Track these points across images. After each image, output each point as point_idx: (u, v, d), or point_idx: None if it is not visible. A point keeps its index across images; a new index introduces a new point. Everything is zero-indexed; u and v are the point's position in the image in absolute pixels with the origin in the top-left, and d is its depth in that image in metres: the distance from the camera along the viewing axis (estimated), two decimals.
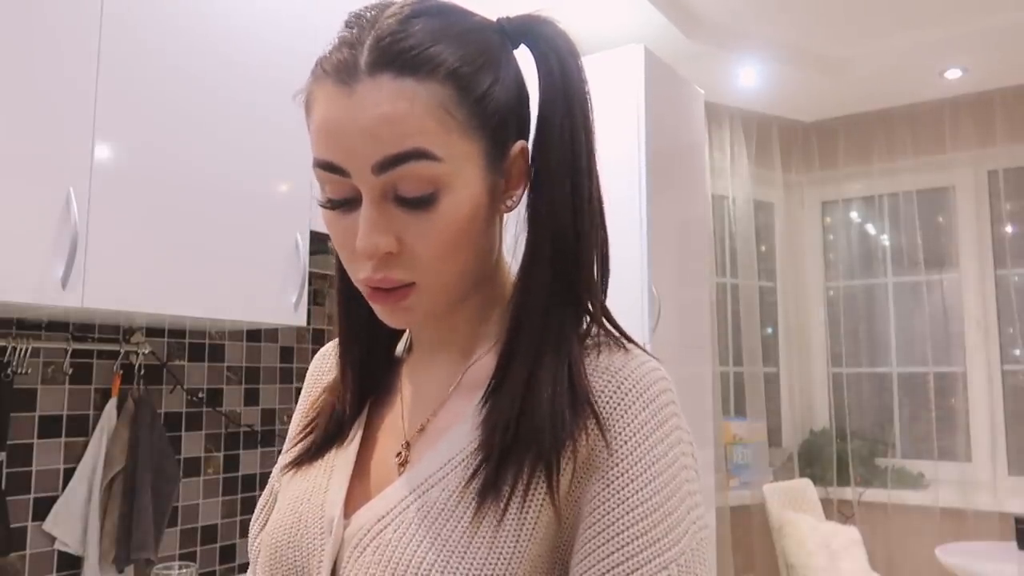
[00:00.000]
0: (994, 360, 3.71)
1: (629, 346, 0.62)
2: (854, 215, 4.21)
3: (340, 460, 0.67)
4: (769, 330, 4.12)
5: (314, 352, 2.57)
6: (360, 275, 0.59)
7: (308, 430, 0.71)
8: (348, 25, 0.58)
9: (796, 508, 3.57)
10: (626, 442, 0.56)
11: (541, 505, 0.55)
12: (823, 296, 4.20)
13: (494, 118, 0.59)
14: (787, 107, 4.05)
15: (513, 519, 0.55)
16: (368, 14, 0.58)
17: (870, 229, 4.16)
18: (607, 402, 0.57)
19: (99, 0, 1.53)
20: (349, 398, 0.70)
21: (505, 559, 0.54)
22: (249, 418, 2.16)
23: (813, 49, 3.45)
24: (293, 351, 2.29)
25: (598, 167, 0.66)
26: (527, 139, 0.63)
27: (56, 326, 1.77)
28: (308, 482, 0.67)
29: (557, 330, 0.59)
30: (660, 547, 0.54)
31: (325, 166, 0.57)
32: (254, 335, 2.19)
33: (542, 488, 0.55)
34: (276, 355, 2.25)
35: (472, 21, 0.61)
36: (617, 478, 0.55)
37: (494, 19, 0.65)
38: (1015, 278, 3.70)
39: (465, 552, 0.54)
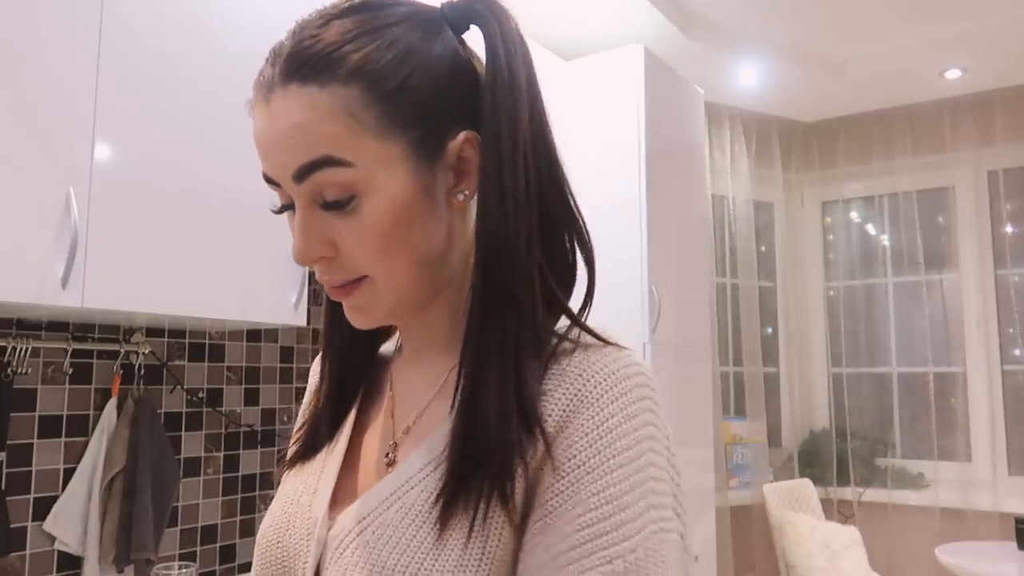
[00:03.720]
0: (994, 360, 3.71)
1: (607, 345, 0.59)
2: (854, 215, 4.21)
3: (330, 460, 0.67)
4: (769, 330, 4.12)
5: (314, 352, 2.57)
6: (316, 275, 0.61)
7: (303, 431, 0.72)
8: (287, 34, 0.60)
9: (796, 508, 3.57)
10: (587, 434, 0.54)
11: (504, 520, 0.54)
12: (823, 296, 4.20)
13: (416, 112, 0.57)
14: (787, 107, 4.05)
15: (479, 528, 0.54)
16: (300, 23, 0.59)
17: (870, 229, 4.16)
18: (574, 396, 0.55)
19: (99, 0, 1.53)
20: (330, 400, 0.70)
21: (474, 566, 0.53)
22: (249, 418, 2.16)
23: (813, 49, 3.45)
24: (293, 351, 2.29)
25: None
26: (481, 126, 0.59)
27: (56, 326, 1.77)
28: (299, 482, 0.68)
29: (499, 340, 0.56)
30: (608, 539, 0.51)
31: (265, 178, 0.59)
32: (254, 335, 2.19)
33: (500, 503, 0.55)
34: (276, 355, 2.25)
35: (394, 13, 0.59)
36: (573, 470, 0.53)
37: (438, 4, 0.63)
38: (1015, 278, 3.70)
39: (437, 559, 0.54)
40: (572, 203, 0.62)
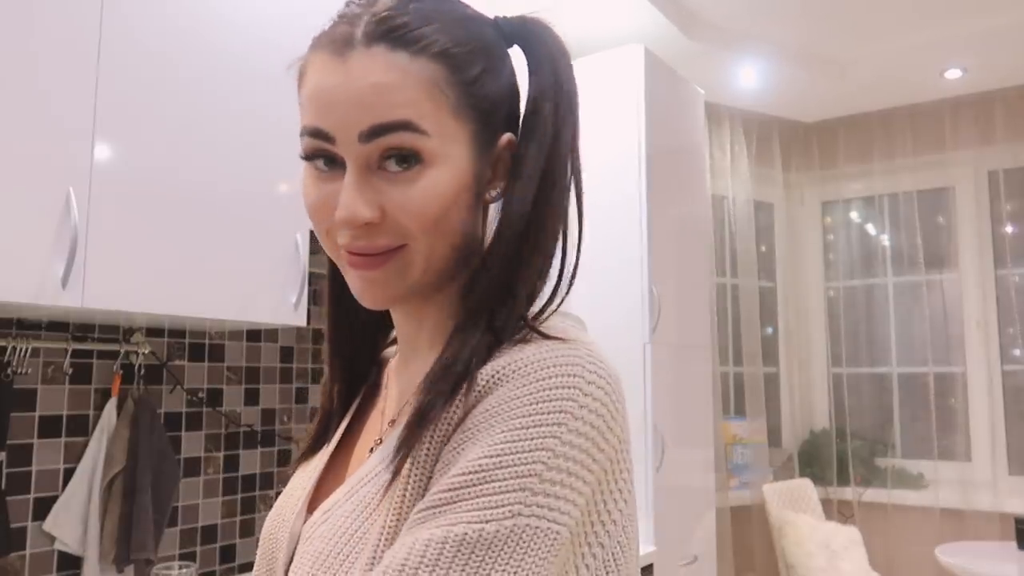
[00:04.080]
0: (994, 360, 3.71)
1: (552, 341, 0.57)
2: (854, 215, 4.21)
3: (323, 456, 0.71)
4: (769, 330, 4.12)
5: (314, 352, 2.56)
6: (340, 240, 0.59)
7: (314, 428, 0.75)
8: (347, 4, 0.60)
9: (796, 508, 3.57)
10: (489, 408, 0.53)
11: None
12: (823, 296, 4.20)
13: (484, 103, 0.60)
14: (787, 107, 4.05)
15: (406, 506, 0.54)
16: None
17: (870, 229, 4.16)
18: (497, 373, 0.54)
19: (99, 0, 1.53)
20: (342, 398, 0.73)
21: (386, 542, 0.54)
22: (249, 418, 2.16)
23: (813, 49, 3.45)
24: (293, 351, 2.29)
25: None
26: (532, 136, 0.63)
27: (56, 326, 1.77)
28: (299, 478, 0.71)
29: (482, 326, 0.58)
30: (465, 505, 0.49)
31: (314, 132, 0.58)
32: (254, 335, 2.19)
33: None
34: (276, 355, 2.25)
35: (468, 11, 0.62)
36: (463, 441, 0.52)
37: (491, 16, 0.65)
38: (1015, 278, 3.70)
39: (377, 543, 0.55)
40: (581, 212, 0.65)
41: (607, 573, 0.56)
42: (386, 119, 0.55)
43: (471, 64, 0.58)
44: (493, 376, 0.54)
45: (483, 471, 0.50)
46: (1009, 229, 3.74)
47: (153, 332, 1.95)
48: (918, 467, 3.84)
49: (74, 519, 1.74)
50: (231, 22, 1.77)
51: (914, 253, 3.94)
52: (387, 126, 0.55)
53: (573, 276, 0.63)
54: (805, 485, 3.72)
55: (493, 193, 0.63)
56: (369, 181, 0.57)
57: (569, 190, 0.63)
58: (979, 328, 3.74)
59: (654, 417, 2.46)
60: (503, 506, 0.49)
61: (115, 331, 1.88)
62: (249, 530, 2.14)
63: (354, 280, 0.60)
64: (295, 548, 0.64)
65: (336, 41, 0.57)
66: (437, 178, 0.57)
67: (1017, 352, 3.67)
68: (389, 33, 0.56)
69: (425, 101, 0.56)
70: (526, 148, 0.61)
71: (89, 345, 1.81)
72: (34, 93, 1.43)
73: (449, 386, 0.55)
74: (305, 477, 0.70)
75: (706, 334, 2.92)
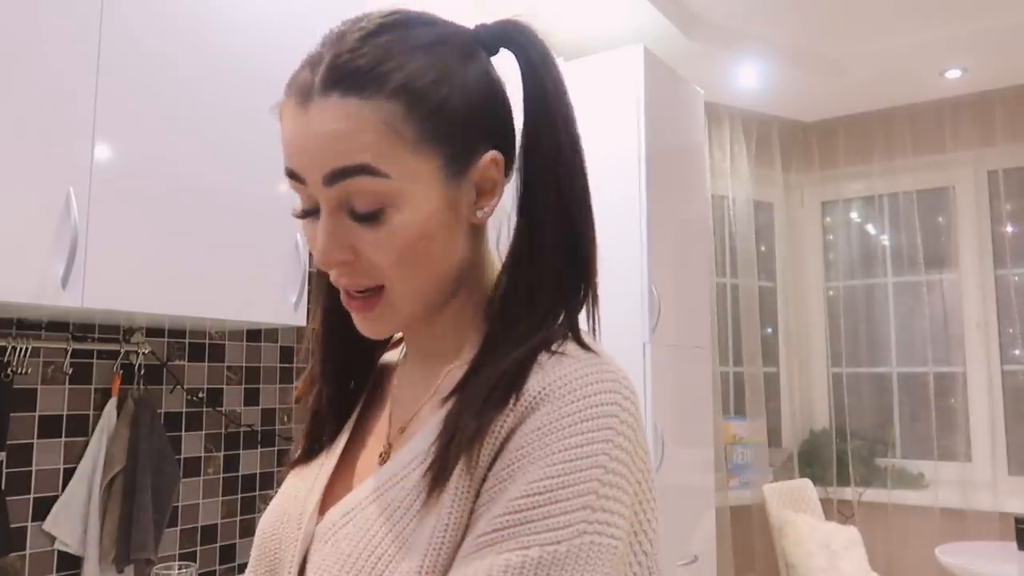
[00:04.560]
0: (994, 360, 3.71)
1: (587, 354, 0.60)
2: (854, 215, 4.21)
3: (328, 460, 0.70)
4: (769, 330, 4.12)
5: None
6: (332, 278, 0.62)
7: (306, 432, 0.74)
8: (320, 42, 0.61)
9: (796, 508, 3.57)
10: (541, 426, 0.54)
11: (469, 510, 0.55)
12: (823, 296, 4.20)
13: (451, 131, 0.59)
14: (787, 107, 4.05)
15: (455, 517, 0.55)
16: (336, 31, 0.60)
17: (870, 229, 4.16)
18: (541, 391, 0.56)
19: (99, 0, 1.53)
20: (332, 403, 0.73)
21: (447, 553, 0.54)
22: (249, 418, 2.16)
23: (813, 49, 3.45)
24: (293, 351, 2.29)
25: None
26: (507, 147, 0.63)
27: (56, 326, 1.77)
28: (299, 480, 0.71)
29: (512, 344, 0.59)
30: (531, 527, 0.51)
31: (289, 174, 0.61)
32: (254, 335, 2.19)
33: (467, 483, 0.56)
34: (276, 355, 2.25)
35: (433, 33, 0.61)
36: (518, 459, 0.54)
37: (472, 26, 0.65)
38: (1015, 278, 3.70)
39: (413, 547, 0.55)
40: (592, 220, 0.65)
41: None
42: (344, 163, 0.57)
43: (432, 92, 0.58)
44: (541, 392, 0.55)
45: (547, 492, 0.52)
46: (1009, 229, 3.74)
47: (153, 332, 1.95)
48: (918, 467, 3.84)
49: (74, 519, 1.74)
50: (231, 22, 1.77)
51: (914, 253, 3.94)
52: (345, 170, 0.57)
53: (594, 282, 0.64)
54: (805, 485, 3.72)
55: (480, 214, 0.63)
56: (341, 223, 0.59)
57: (578, 199, 0.63)
58: (979, 328, 3.74)
59: (654, 417, 2.46)
60: (570, 526, 0.51)
61: (115, 331, 1.88)
62: (249, 530, 2.14)
63: (354, 316, 0.63)
64: (307, 549, 0.64)
65: (300, 89, 0.59)
66: (403, 218, 0.58)
67: (1017, 352, 3.67)
68: (343, 80, 0.57)
69: (382, 143, 0.57)
70: (529, 163, 0.62)
71: (89, 345, 1.82)
72: (34, 93, 1.43)
73: (496, 401, 0.56)
74: (308, 478, 0.70)
75: (706, 334, 2.92)
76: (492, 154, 0.62)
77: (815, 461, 3.99)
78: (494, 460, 0.55)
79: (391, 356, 0.76)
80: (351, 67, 0.57)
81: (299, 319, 1.86)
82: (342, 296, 0.63)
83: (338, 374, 0.73)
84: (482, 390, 0.57)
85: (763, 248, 4.16)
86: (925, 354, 3.87)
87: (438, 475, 0.56)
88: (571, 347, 0.60)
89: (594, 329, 0.65)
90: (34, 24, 1.43)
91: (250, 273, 1.76)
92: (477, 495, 0.55)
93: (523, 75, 0.63)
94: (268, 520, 0.70)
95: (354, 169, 0.57)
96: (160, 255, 1.60)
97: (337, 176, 0.57)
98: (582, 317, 0.64)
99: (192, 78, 1.68)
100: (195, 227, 1.67)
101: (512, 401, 0.56)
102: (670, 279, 2.64)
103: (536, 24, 0.65)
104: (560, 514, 0.51)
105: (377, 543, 0.57)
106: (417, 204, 0.58)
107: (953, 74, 3.60)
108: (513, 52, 0.63)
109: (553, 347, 0.59)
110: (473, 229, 0.64)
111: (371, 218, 0.58)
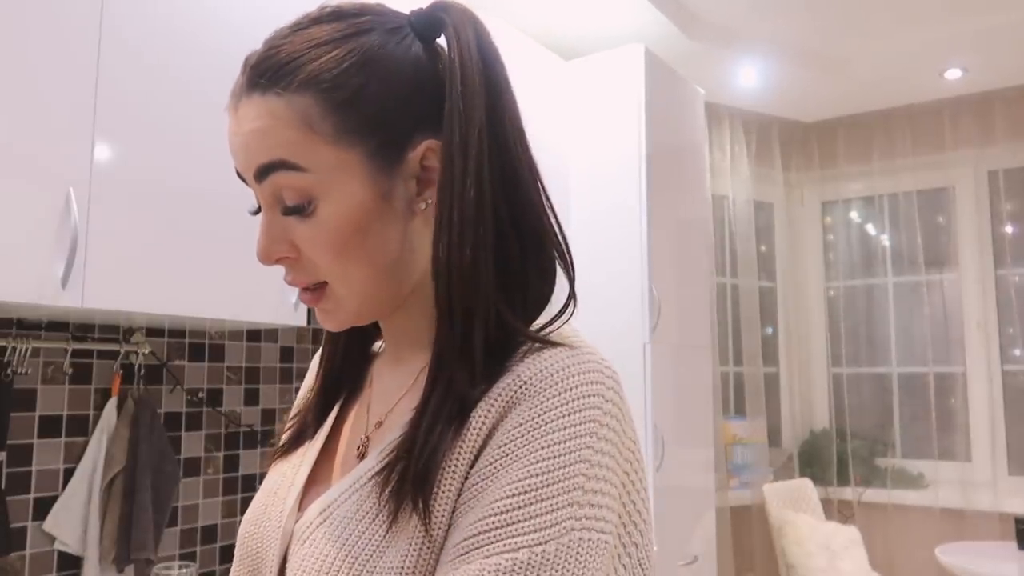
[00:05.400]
0: (994, 360, 3.71)
1: (569, 344, 0.58)
2: (854, 215, 4.21)
3: (308, 453, 0.69)
4: (769, 330, 4.12)
5: (314, 352, 2.56)
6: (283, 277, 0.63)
7: (292, 424, 0.74)
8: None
9: (796, 508, 3.57)
10: (521, 424, 0.53)
11: (448, 516, 0.54)
12: (823, 296, 4.20)
13: (372, 120, 0.58)
14: (787, 107, 4.05)
15: (419, 527, 0.54)
16: (273, 32, 0.62)
17: (870, 229, 4.16)
18: (518, 389, 0.54)
19: (99, 0, 1.53)
20: (316, 392, 0.72)
21: (412, 562, 0.53)
22: (249, 418, 2.16)
23: (813, 49, 3.45)
24: (293, 351, 2.29)
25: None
26: (448, 135, 0.59)
27: (56, 326, 1.77)
28: (279, 475, 0.70)
29: (456, 348, 0.56)
30: (518, 528, 0.50)
31: (237, 174, 0.63)
32: (254, 335, 2.19)
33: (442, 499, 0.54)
34: (276, 355, 2.25)
35: (357, 22, 0.60)
36: (498, 457, 0.52)
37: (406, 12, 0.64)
38: (1015, 278, 3.70)
39: (385, 551, 0.54)
40: (548, 212, 0.61)
41: (642, 570, 0.58)
42: (264, 160, 0.58)
43: (347, 83, 0.57)
44: (521, 387, 0.54)
45: (531, 491, 0.51)
46: (1009, 229, 3.74)
47: (153, 332, 1.95)
48: (918, 467, 3.84)
49: (74, 519, 1.74)
50: (229, 23, 1.77)
51: (914, 253, 3.94)
52: (266, 167, 0.58)
53: (568, 270, 0.62)
54: (805, 485, 3.72)
55: (423, 205, 0.61)
56: (277, 219, 0.60)
57: (528, 176, 0.60)
58: (979, 328, 3.74)
59: (654, 417, 2.46)
60: (557, 524, 0.50)
61: (115, 331, 1.88)
62: None
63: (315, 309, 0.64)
64: (287, 547, 0.63)
65: (233, 92, 0.61)
66: (331, 212, 0.58)
67: (1017, 352, 3.67)
68: (259, 78, 0.58)
69: (299, 138, 0.57)
70: (442, 152, 0.59)
71: (89, 345, 1.81)
72: (34, 93, 1.43)
73: (452, 419, 0.55)
74: (288, 474, 0.69)
75: (706, 334, 2.92)
76: (428, 143, 0.60)
77: (815, 461, 3.99)
78: (476, 457, 0.54)
79: (376, 346, 0.76)
80: (267, 64, 0.58)
81: (299, 319, 1.86)
82: (298, 293, 0.64)
83: (331, 366, 0.73)
84: (428, 421, 0.55)
85: (763, 248, 4.16)
86: (925, 354, 3.87)
87: (391, 495, 0.55)
88: (553, 339, 0.58)
89: (565, 312, 0.61)
90: (34, 24, 1.43)
91: (250, 273, 1.76)
92: (458, 494, 0.54)
93: (447, 57, 0.60)
94: (249, 518, 0.69)
95: (274, 165, 0.57)
96: (160, 255, 1.60)
97: (261, 172, 0.58)
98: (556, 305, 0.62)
99: (192, 78, 1.68)
100: (195, 227, 1.67)
101: (463, 433, 0.54)
102: (670, 279, 2.64)
103: (470, 3, 0.63)
104: (546, 512, 0.50)
105: (353, 543, 0.56)
106: (343, 196, 0.58)
107: (953, 74, 3.60)
108: (443, 34, 0.61)
109: (524, 348, 0.57)
110: (424, 221, 0.62)
111: (298, 211, 0.58)
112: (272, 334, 2.24)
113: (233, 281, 1.73)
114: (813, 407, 4.14)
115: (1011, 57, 3.44)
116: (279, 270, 0.63)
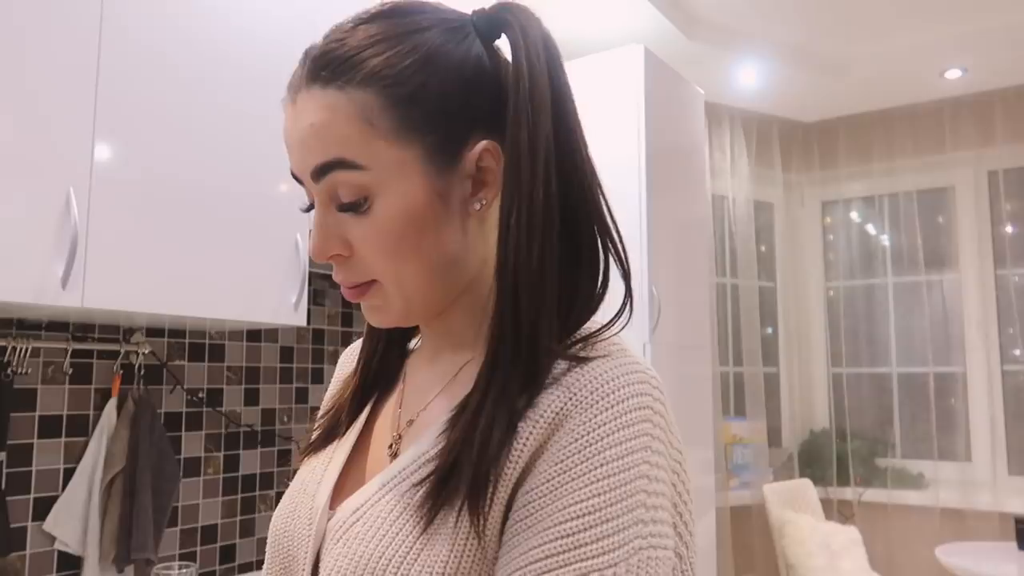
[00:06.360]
0: (994, 360, 3.71)
1: (614, 351, 0.58)
2: (854, 215, 4.21)
3: (339, 450, 0.68)
4: (769, 330, 4.12)
5: (314, 352, 2.57)
6: (333, 276, 0.63)
7: (325, 419, 0.73)
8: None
9: (796, 508, 3.57)
10: (577, 439, 0.52)
11: (497, 518, 0.54)
12: (823, 296, 4.20)
13: (431, 118, 0.57)
14: (787, 107, 4.05)
15: (463, 525, 0.53)
16: (334, 26, 0.61)
17: (870, 229, 4.16)
18: (568, 400, 0.53)
19: (99, 0, 1.53)
20: (353, 389, 0.71)
21: (455, 562, 0.53)
22: (249, 418, 2.16)
23: (813, 49, 3.45)
24: (293, 351, 2.29)
25: (597, 167, 0.63)
26: (513, 137, 0.58)
27: (56, 326, 1.77)
28: (309, 472, 0.69)
29: (513, 353, 0.56)
30: (586, 551, 0.49)
31: (292, 174, 0.62)
32: (254, 335, 2.19)
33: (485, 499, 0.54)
34: (276, 355, 2.25)
35: (422, 19, 0.59)
36: (557, 474, 0.52)
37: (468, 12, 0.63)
38: (1015, 278, 3.70)
39: (419, 555, 0.53)
40: (607, 214, 0.61)
41: None
42: (322, 159, 0.57)
43: (408, 79, 0.56)
44: (571, 399, 0.53)
45: (595, 511, 0.50)
46: (1009, 229, 3.74)
47: (153, 332, 1.95)
48: (918, 467, 3.84)
49: (74, 519, 1.74)
50: (231, 23, 1.77)
51: (914, 253, 3.94)
52: (324, 166, 0.57)
53: (627, 278, 0.61)
54: (805, 485, 3.72)
55: (478, 205, 0.60)
56: (332, 216, 0.59)
57: (591, 180, 0.60)
58: (979, 328, 3.74)
59: None
60: (624, 544, 0.50)
61: (115, 331, 1.88)
62: (249, 530, 2.14)
63: (362, 306, 0.64)
64: (320, 545, 0.62)
65: (291, 85, 0.60)
66: (387, 209, 0.57)
67: (1017, 352, 3.67)
68: (321, 71, 0.57)
69: (357, 135, 0.56)
70: (506, 154, 0.58)
71: (89, 345, 1.81)
72: (34, 93, 1.43)
73: (504, 426, 0.54)
74: (318, 471, 0.68)
75: (706, 334, 2.92)
76: (486, 143, 0.59)
77: (815, 461, 3.99)
78: (526, 467, 0.53)
79: (413, 342, 0.75)
80: (328, 58, 0.57)
81: (299, 319, 1.86)
82: (343, 290, 0.63)
83: (369, 364, 0.72)
84: (482, 426, 0.54)
85: (763, 248, 4.16)
86: (925, 354, 3.87)
87: (433, 494, 0.54)
88: (599, 346, 0.58)
89: (617, 321, 0.61)
90: (34, 24, 1.43)
91: (250, 273, 1.76)
92: (507, 504, 0.53)
93: (513, 59, 0.59)
94: (279, 515, 0.68)
95: (332, 163, 0.57)
96: (160, 255, 1.60)
97: (319, 171, 0.58)
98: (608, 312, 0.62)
99: (192, 78, 1.68)
100: (195, 227, 1.67)
101: (513, 442, 0.53)
102: (670, 279, 2.64)
103: (535, 7, 0.62)
104: (613, 534, 0.50)
105: (388, 543, 0.55)
106: (401, 194, 0.57)
107: (953, 74, 3.60)
108: (507, 35, 0.60)
109: (574, 348, 0.57)
110: (478, 221, 0.62)
111: (354, 208, 0.58)
112: (272, 334, 2.24)
113: (233, 281, 1.73)
114: (813, 407, 4.14)
115: (1011, 57, 3.44)
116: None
